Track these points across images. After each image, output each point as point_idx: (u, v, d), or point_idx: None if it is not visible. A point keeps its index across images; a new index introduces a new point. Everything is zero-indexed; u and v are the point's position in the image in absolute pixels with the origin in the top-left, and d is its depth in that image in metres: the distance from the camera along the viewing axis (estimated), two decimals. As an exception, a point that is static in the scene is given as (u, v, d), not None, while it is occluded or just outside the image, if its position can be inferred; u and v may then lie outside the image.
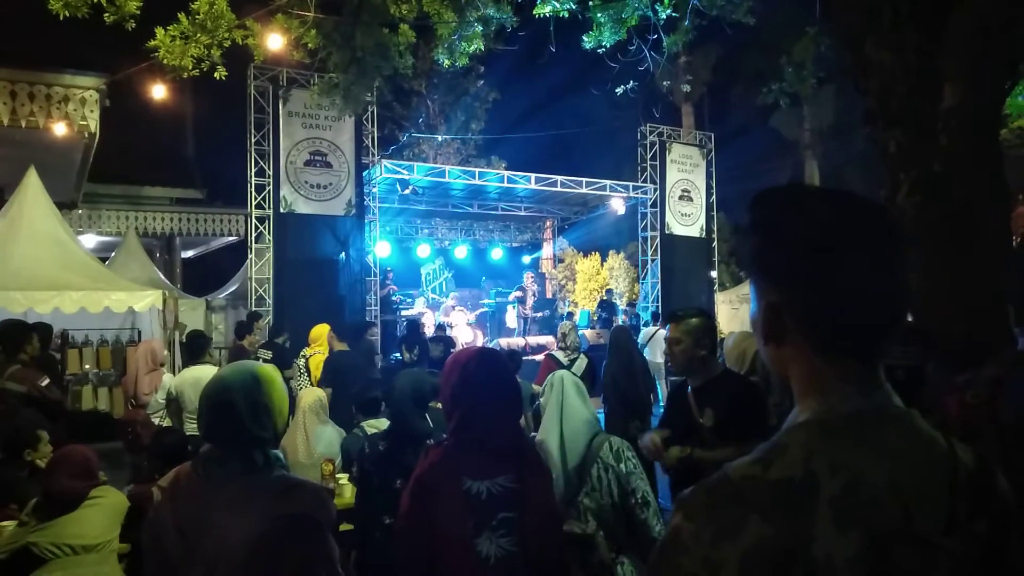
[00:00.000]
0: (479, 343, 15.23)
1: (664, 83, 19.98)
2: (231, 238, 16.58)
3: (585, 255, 19.76)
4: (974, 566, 0.78)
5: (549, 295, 18.76)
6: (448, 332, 13.68)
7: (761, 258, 0.91)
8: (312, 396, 5.14)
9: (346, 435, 4.81)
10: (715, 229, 16.33)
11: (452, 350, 10.67)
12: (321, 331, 7.75)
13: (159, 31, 7.08)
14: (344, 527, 4.09)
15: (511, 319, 16.57)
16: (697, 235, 15.85)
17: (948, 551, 0.77)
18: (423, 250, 18.12)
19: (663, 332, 5.76)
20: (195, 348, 6.79)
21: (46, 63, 9.80)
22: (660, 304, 15.10)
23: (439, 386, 2.16)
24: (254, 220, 11.24)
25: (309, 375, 7.48)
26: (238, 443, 1.75)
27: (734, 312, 17.34)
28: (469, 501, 1.87)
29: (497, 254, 19.32)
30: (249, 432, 1.75)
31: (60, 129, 9.19)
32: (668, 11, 7.19)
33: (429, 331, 11.83)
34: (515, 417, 2.09)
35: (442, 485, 1.89)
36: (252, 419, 1.75)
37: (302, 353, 7.77)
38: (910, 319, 3.37)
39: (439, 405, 2.22)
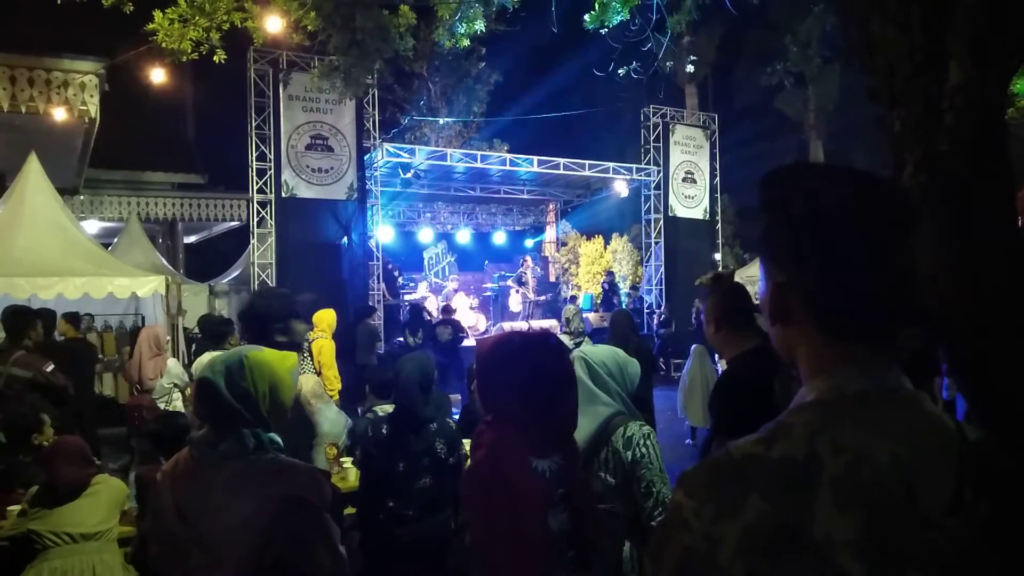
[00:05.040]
0: (481, 327, 15.26)
1: (667, 64, 19.82)
2: (233, 223, 16.58)
3: (588, 238, 19.70)
4: (977, 548, 0.77)
5: (552, 279, 18.74)
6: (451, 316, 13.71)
7: (768, 238, 0.91)
8: (311, 379, 5.17)
9: (357, 418, 4.84)
10: (719, 211, 16.27)
11: (461, 335, 10.68)
12: (325, 316, 7.76)
13: (157, 14, 7.03)
14: (349, 510, 4.12)
15: (514, 303, 16.57)
16: (701, 217, 15.80)
17: (951, 532, 0.77)
18: (425, 234, 18.10)
19: None
20: (217, 334, 6.81)
21: (45, 48, 9.75)
22: (664, 287, 15.08)
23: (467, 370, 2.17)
24: (256, 205, 11.24)
25: (312, 358, 7.50)
26: (227, 425, 1.78)
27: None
28: (539, 478, 1.93)
29: (500, 238, 19.29)
30: (235, 414, 1.77)
31: (60, 114, 9.17)
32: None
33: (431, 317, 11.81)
34: (575, 403, 2.12)
35: (516, 466, 1.94)
36: (236, 402, 1.78)
37: (304, 337, 7.79)
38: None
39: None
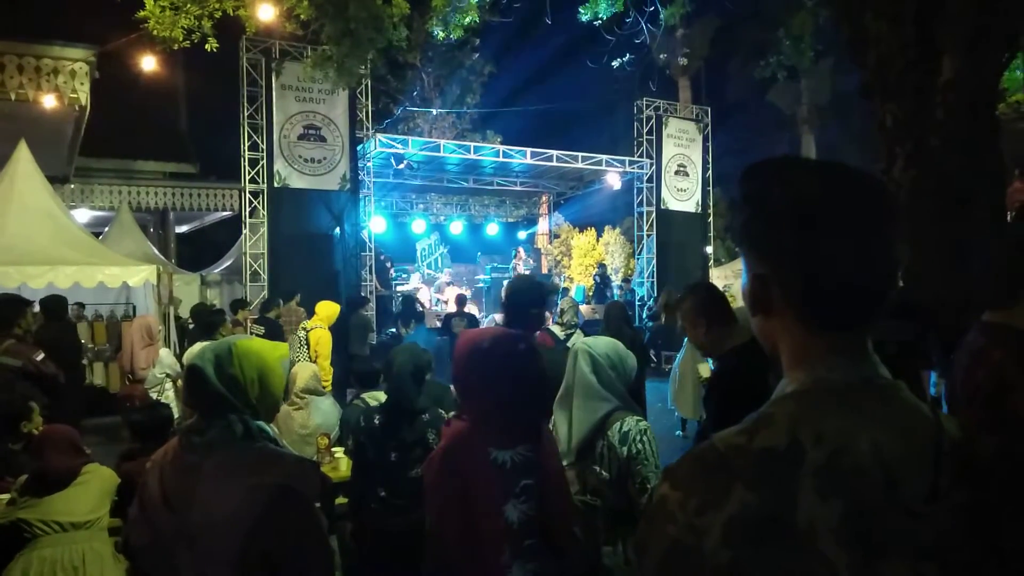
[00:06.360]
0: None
1: (661, 56, 19.83)
2: (225, 213, 16.49)
3: (581, 230, 19.73)
4: (956, 535, 0.79)
5: (545, 271, 18.75)
6: (443, 307, 13.70)
7: (748, 230, 0.92)
8: (308, 370, 5.18)
9: (346, 407, 4.84)
10: (711, 204, 16.28)
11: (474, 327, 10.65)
12: (326, 308, 7.78)
13: (149, 1, 6.98)
14: (340, 500, 4.13)
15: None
16: (693, 210, 15.82)
17: (930, 520, 0.78)
18: (418, 225, 18.07)
19: None
20: (208, 323, 6.78)
21: (35, 34, 9.66)
22: (656, 280, 15.11)
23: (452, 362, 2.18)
24: (248, 195, 11.18)
25: (308, 348, 7.52)
26: (214, 412, 1.76)
27: (727, 287, 17.38)
28: (496, 470, 1.93)
29: (493, 229, 19.28)
30: (222, 401, 1.76)
31: (50, 102, 9.08)
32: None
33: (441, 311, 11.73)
34: (542, 398, 2.15)
35: (471, 456, 1.95)
36: (223, 387, 1.76)
37: (302, 326, 7.81)
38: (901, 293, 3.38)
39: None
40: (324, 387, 7.04)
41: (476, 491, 1.92)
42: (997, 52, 3.30)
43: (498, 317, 14.78)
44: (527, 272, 16.27)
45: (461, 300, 11.22)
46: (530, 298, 3.41)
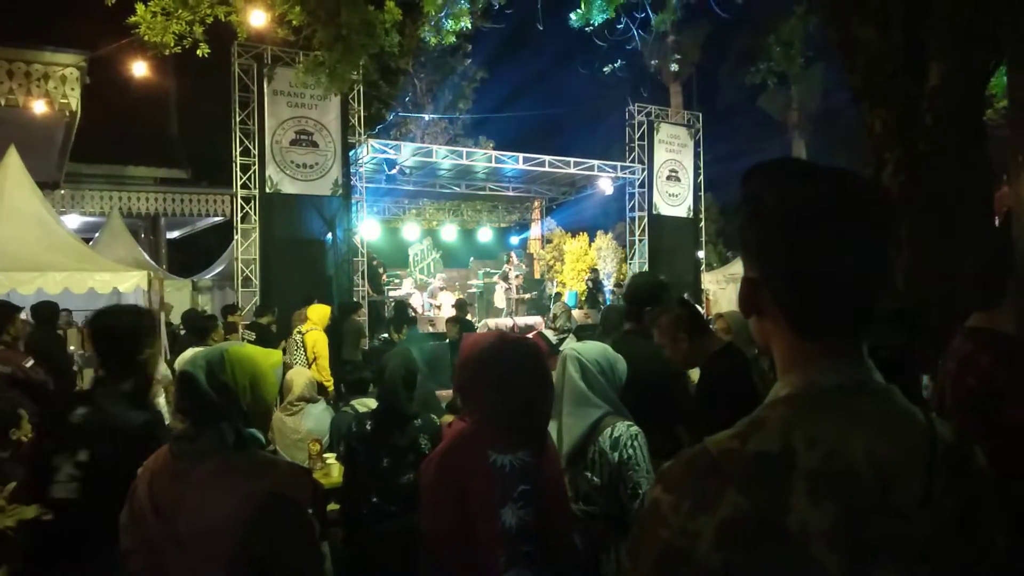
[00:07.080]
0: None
1: (652, 62, 19.93)
2: (217, 218, 16.42)
3: (573, 235, 19.74)
4: (949, 539, 0.79)
5: (537, 276, 18.76)
6: (435, 312, 13.67)
7: (741, 233, 0.91)
8: (304, 377, 5.17)
9: (336, 413, 4.84)
10: (703, 209, 16.34)
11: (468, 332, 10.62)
12: (318, 311, 7.84)
13: (140, 7, 6.97)
14: (332, 507, 4.11)
15: (499, 299, 16.58)
16: (685, 215, 15.87)
17: (923, 524, 0.78)
18: (410, 230, 18.04)
19: None
20: (199, 329, 6.74)
21: (25, 39, 9.61)
22: (648, 284, 15.14)
23: (455, 368, 2.18)
24: (240, 200, 11.15)
25: (305, 351, 7.56)
26: (206, 419, 1.75)
27: (721, 291, 17.43)
28: (494, 473, 1.92)
29: (485, 235, 19.27)
30: (214, 408, 1.74)
31: (40, 107, 9.03)
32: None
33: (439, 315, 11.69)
34: (545, 403, 2.12)
35: (469, 458, 1.95)
36: (215, 394, 1.75)
37: (298, 329, 7.85)
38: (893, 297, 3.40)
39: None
40: (328, 389, 7.09)
41: (473, 493, 1.91)
42: (984, 58, 3.33)
43: (491, 322, 14.77)
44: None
45: (460, 305, 11.19)
46: (648, 296, 3.40)
